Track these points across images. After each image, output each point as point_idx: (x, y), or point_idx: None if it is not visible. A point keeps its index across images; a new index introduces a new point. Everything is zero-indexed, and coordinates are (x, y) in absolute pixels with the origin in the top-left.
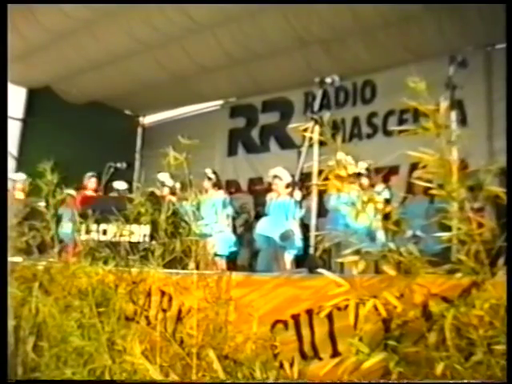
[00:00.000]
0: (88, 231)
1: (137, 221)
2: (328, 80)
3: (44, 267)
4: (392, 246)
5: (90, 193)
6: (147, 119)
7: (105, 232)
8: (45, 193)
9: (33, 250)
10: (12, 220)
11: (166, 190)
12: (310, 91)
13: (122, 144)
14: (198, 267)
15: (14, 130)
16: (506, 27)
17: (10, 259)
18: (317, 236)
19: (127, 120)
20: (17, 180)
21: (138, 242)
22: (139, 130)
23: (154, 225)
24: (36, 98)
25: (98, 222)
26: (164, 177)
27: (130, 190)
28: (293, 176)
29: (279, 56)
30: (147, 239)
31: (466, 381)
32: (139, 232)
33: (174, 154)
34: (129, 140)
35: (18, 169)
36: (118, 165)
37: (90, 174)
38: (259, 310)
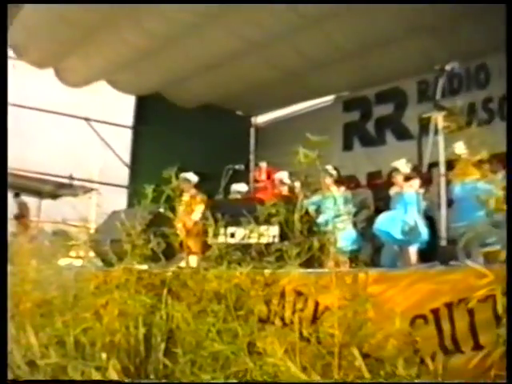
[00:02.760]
0: (216, 234)
1: (267, 222)
2: (448, 67)
3: (173, 273)
4: None
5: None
6: (259, 119)
7: (232, 235)
8: (171, 198)
9: (159, 256)
10: (137, 227)
11: (284, 189)
12: (423, 80)
13: (236, 146)
14: (334, 265)
15: (125, 139)
16: (506, 27)
17: (137, 267)
18: (451, 228)
19: (240, 121)
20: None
21: (270, 243)
22: (252, 131)
23: (285, 225)
24: (146, 105)
25: (225, 225)
26: (283, 175)
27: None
28: (415, 167)
29: (391, 45)
30: (277, 240)
31: (466, 381)
32: (268, 233)
33: (303, 151)
34: (242, 141)
35: (132, 177)
36: (237, 167)
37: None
38: (398, 305)
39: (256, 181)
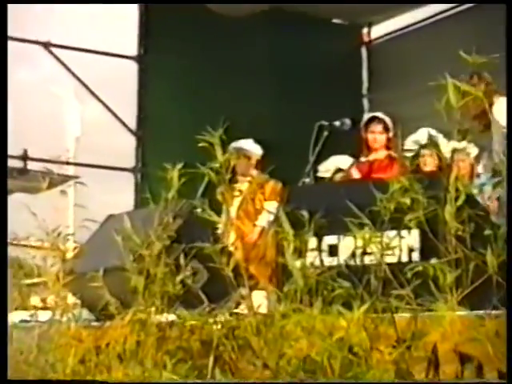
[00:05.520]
0: (301, 251)
1: (397, 223)
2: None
3: (223, 326)
4: None
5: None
6: (375, 31)
7: (332, 250)
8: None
9: (196, 295)
10: (153, 244)
11: (426, 162)
12: None
13: (334, 81)
14: None
15: (124, 82)
16: (506, 27)
17: (157, 317)
18: None
19: (339, 35)
20: None
21: (403, 263)
22: (363, 52)
23: (431, 227)
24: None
25: (318, 232)
26: (421, 135)
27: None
28: None
29: None
30: (416, 256)
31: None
32: (399, 244)
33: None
34: (345, 72)
35: (141, 153)
36: (337, 123)
37: None
38: None
39: (370, 148)
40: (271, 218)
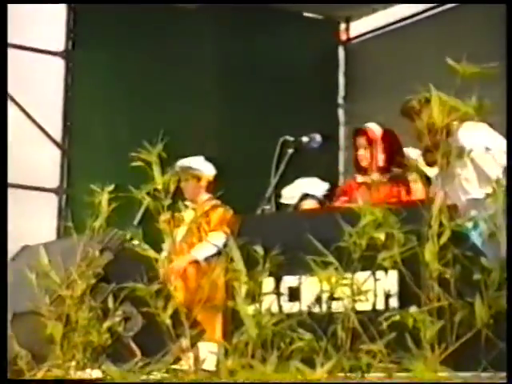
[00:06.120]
0: (255, 295)
1: (369, 262)
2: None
3: None
4: None
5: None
6: (354, 28)
7: (293, 294)
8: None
9: (127, 347)
10: (75, 284)
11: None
12: None
13: (306, 85)
14: None
15: (47, 80)
16: (506, 27)
17: (78, 374)
18: None
19: (314, 31)
20: None
21: (378, 311)
22: (340, 52)
23: (411, 268)
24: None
25: (276, 272)
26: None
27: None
28: None
29: None
30: (395, 303)
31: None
32: (373, 288)
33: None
34: (319, 76)
35: (67, 173)
36: (305, 139)
37: None
38: None
39: (360, 168)
40: (211, 251)
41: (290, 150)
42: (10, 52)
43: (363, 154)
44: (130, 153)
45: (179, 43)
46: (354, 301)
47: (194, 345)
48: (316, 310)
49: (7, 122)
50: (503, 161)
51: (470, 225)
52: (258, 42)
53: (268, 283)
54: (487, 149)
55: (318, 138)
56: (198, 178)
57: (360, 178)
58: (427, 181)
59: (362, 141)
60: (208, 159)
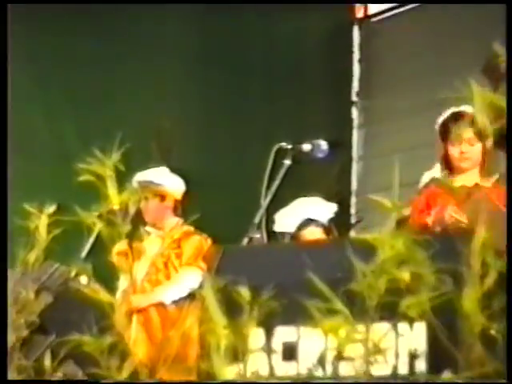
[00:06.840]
0: (242, 353)
1: (389, 311)
2: None
3: None
4: None
5: None
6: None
7: (290, 353)
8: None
9: None
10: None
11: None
12: None
13: (311, 77)
14: None
15: None
16: (506, 27)
17: None
18: None
19: (322, 7)
20: None
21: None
22: (355, 33)
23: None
24: None
25: (265, 320)
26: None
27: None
28: None
29: None
30: (423, 367)
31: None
32: (395, 345)
33: None
34: (327, 64)
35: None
36: (306, 146)
37: None
38: None
39: (453, 168)
40: (182, 294)
41: (287, 161)
42: None
43: (468, 151)
44: (77, 164)
45: (152, 28)
46: (369, 362)
47: None
48: (319, 373)
49: (7, 119)
50: None
51: None
52: (250, 24)
53: (256, 337)
54: None
55: (323, 145)
56: (162, 197)
57: (457, 181)
58: None
59: (467, 131)
60: (175, 171)
